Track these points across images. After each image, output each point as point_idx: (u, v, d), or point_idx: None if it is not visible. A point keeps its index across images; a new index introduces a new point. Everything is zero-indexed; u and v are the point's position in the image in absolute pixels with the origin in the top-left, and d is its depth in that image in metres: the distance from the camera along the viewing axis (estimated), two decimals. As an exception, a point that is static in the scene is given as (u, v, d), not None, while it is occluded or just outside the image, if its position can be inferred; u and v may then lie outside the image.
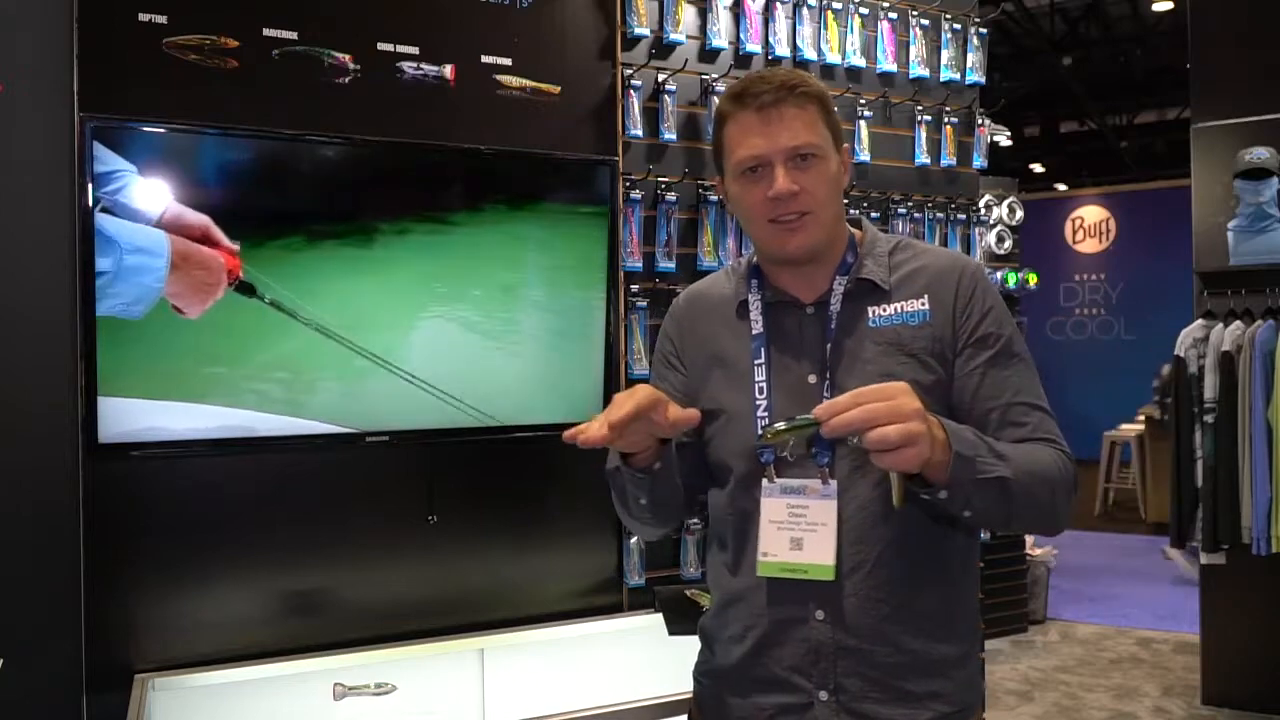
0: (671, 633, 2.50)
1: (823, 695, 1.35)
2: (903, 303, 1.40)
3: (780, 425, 1.21)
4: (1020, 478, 1.25)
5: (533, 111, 2.74)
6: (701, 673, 1.52)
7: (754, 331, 1.43)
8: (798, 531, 1.33)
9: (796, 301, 1.43)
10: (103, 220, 2.16)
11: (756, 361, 1.41)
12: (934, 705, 1.36)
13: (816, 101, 1.38)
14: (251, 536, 2.41)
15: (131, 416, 2.20)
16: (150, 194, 2.20)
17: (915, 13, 3.35)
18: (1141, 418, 8.49)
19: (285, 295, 2.32)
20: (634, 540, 2.81)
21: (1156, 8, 9.11)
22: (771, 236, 1.39)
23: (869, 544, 1.34)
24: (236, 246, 2.27)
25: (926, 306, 1.40)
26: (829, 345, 1.39)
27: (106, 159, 2.15)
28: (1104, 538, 7.82)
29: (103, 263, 2.16)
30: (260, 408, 2.32)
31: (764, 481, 1.36)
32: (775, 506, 1.34)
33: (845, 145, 1.43)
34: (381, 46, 2.55)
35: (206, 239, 2.25)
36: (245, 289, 2.28)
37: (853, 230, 1.47)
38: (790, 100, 1.35)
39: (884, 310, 1.40)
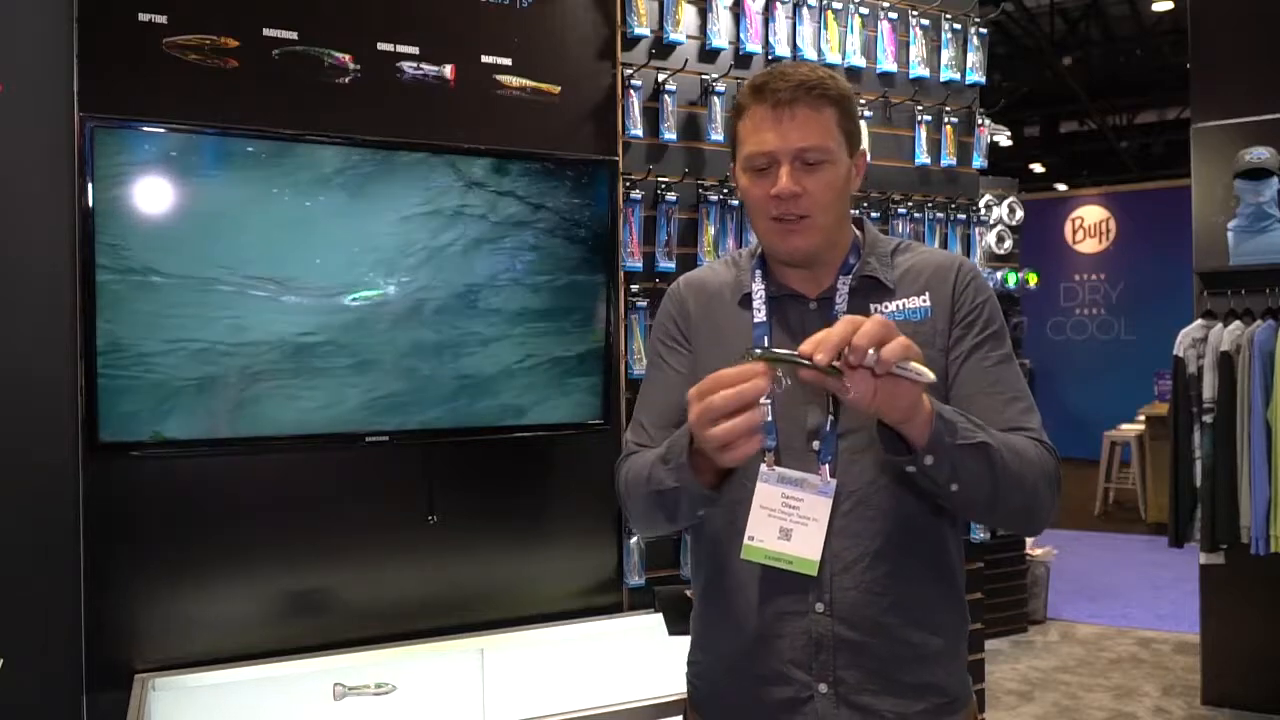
0: (671, 633, 2.50)
1: (822, 688, 1.35)
2: (905, 299, 1.41)
3: (760, 351, 1.16)
4: (1002, 450, 1.24)
5: (533, 111, 2.74)
6: (696, 673, 1.51)
7: (756, 320, 1.43)
8: (788, 522, 1.33)
9: (800, 296, 1.44)
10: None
11: None
12: (929, 697, 1.38)
13: (834, 104, 1.36)
14: (251, 536, 2.41)
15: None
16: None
17: (915, 13, 3.35)
18: (1142, 418, 8.48)
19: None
20: (634, 540, 2.80)
21: (1156, 8, 9.11)
22: (771, 233, 1.39)
23: (868, 537, 1.35)
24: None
25: (928, 303, 1.41)
26: None
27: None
28: (1104, 538, 7.82)
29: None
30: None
31: (762, 467, 1.35)
32: (769, 493, 1.34)
33: (862, 149, 1.42)
34: (381, 46, 2.55)
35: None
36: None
37: (856, 231, 1.48)
38: (805, 100, 1.34)
39: (887, 307, 1.41)
